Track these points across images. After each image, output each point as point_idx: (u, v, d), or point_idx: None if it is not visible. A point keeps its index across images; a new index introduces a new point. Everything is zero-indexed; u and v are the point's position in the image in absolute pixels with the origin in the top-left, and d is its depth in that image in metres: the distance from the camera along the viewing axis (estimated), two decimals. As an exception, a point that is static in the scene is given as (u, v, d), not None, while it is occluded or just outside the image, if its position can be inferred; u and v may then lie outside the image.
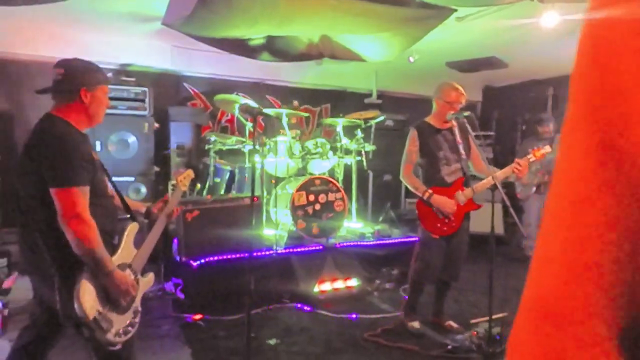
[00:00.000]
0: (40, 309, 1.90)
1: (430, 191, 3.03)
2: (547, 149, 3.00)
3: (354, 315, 3.54)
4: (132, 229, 1.92)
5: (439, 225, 3.09)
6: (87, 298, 1.65)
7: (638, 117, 0.30)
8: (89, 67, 1.84)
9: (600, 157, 0.33)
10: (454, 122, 3.17)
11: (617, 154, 0.32)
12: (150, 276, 2.02)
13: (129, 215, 2.03)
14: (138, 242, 1.95)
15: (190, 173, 2.40)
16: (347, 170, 5.04)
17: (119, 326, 1.77)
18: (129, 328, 1.83)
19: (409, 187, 3.19)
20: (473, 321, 3.41)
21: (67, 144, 1.68)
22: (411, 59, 5.05)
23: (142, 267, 1.93)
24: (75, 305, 1.62)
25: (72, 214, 1.63)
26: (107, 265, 1.69)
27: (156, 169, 4.82)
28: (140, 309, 1.92)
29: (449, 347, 2.97)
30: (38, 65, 4.52)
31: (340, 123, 4.87)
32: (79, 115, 1.82)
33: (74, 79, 1.79)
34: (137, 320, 1.89)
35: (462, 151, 3.13)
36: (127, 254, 1.87)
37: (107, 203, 1.88)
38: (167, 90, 5.41)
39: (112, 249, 1.81)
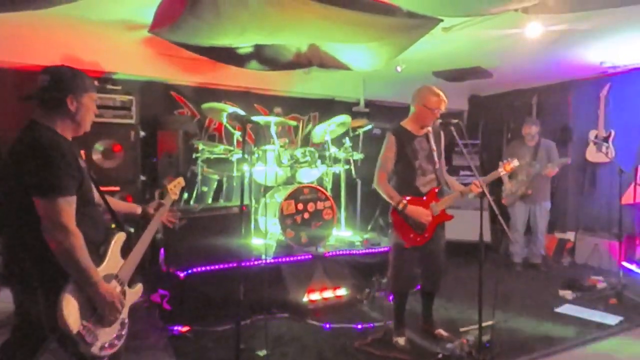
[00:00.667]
0: (23, 321, 1.84)
1: (405, 201, 2.99)
2: (515, 162, 3.06)
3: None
4: (118, 238, 1.88)
5: (411, 235, 3.07)
6: (71, 310, 1.60)
7: None
8: (76, 74, 1.81)
9: None
10: (430, 129, 3.17)
11: None
12: (139, 287, 1.98)
13: (114, 225, 1.99)
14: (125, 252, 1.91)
15: (180, 181, 2.37)
16: (336, 178, 5.04)
17: (105, 339, 1.72)
18: (116, 341, 1.78)
19: (383, 195, 3.10)
20: (463, 329, 3.42)
21: (51, 152, 1.64)
22: (398, 69, 5.09)
23: (129, 278, 1.89)
24: (58, 318, 1.58)
25: (55, 224, 1.59)
26: (92, 276, 1.65)
27: (143, 178, 4.76)
28: (127, 320, 1.88)
29: (440, 355, 2.96)
30: (23, 73, 4.45)
31: (328, 132, 4.87)
32: (65, 123, 1.79)
33: (60, 86, 1.75)
34: (124, 332, 1.84)
35: (436, 159, 3.15)
36: (113, 265, 1.82)
37: (93, 212, 1.84)
38: (154, 99, 5.35)
39: (99, 259, 1.76)
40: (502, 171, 3.05)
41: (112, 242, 1.84)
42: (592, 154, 5.74)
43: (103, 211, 1.95)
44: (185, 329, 3.33)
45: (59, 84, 1.75)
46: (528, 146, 5.27)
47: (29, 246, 1.66)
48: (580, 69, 5.57)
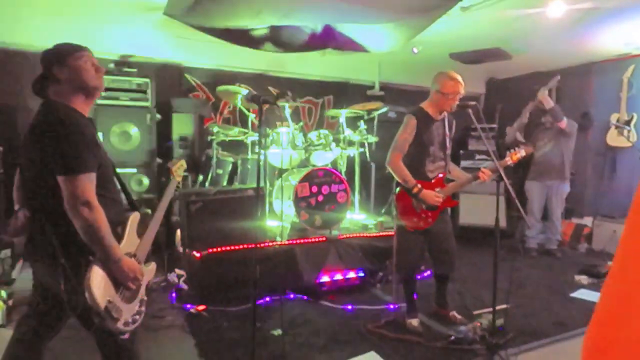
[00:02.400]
0: (41, 297, 1.88)
1: (419, 186, 2.99)
2: (522, 152, 3.03)
3: (349, 307, 3.55)
4: (134, 218, 1.90)
5: (415, 219, 3.09)
6: (98, 287, 1.64)
7: None
8: (56, 47, 1.83)
9: None
10: (445, 114, 3.14)
11: None
12: (153, 265, 2.02)
13: (129, 205, 2.02)
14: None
15: (183, 163, 2.40)
16: (350, 161, 5.02)
17: (128, 315, 1.76)
18: (137, 317, 1.82)
19: (396, 177, 3.08)
20: (476, 312, 3.42)
21: (70, 129, 1.65)
22: (415, 50, 5.01)
23: (145, 257, 1.93)
24: (87, 294, 1.60)
25: (81, 201, 1.60)
26: (116, 252, 1.68)
27: (158, 160, 4.81)
28: (145, 298, 1.92)
29: (453, 338, 2.97)
30: (39, 55, 4.49)
31: (343, 114, 4.84)
32: (75, 95, 1.78)
33: (46, 64, 1.78)
34: (143, 309, 1.88)
35: (448, 146, 3.13)
36: (131, 244, 1.85)
37: (113, 191, 1.86)
38: (169, 82, 5.37)
39: (117, 238, 1.79)
40: (508, 160, 3.01)
41: (129, 221, 1.87)
42: (613, 138, 5.61)
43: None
44: (201, 308, 3.39)
45: (46, 63, 1.79)
46: (547, 130, 5.20)
47: (54, 223, 1.68)
48: (603, 51, 5.40)
